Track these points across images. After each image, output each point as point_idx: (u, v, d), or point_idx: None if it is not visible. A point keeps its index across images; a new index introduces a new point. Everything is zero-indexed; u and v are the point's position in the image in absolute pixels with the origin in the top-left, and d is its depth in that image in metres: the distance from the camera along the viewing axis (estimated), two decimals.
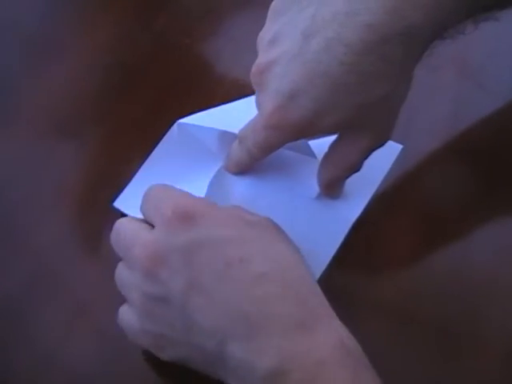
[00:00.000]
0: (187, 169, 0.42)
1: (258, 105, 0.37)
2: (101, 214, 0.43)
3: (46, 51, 0.52)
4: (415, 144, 0.44)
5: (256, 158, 0.39)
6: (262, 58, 0.36)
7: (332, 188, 0.41)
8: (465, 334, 0.38)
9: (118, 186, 0.44)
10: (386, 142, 0.38)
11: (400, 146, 0.44)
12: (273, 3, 0.37)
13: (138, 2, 0.56)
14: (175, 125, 0.43)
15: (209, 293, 0.31)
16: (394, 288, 0.39)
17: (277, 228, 0.35)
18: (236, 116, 0.42)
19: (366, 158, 0.38)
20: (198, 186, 0.39)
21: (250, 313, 0.30)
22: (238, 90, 0.41)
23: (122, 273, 0.35)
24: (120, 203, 0.42)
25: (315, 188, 0.41)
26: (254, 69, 0.37)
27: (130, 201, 0.42)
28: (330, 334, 0.30)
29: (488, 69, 0.49)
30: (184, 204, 0.33)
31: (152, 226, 0.34)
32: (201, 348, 0.31)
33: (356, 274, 0.40)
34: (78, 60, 0.51)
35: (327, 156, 0.39)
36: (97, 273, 0.41)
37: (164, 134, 0.45)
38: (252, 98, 0.39)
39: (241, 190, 0.41)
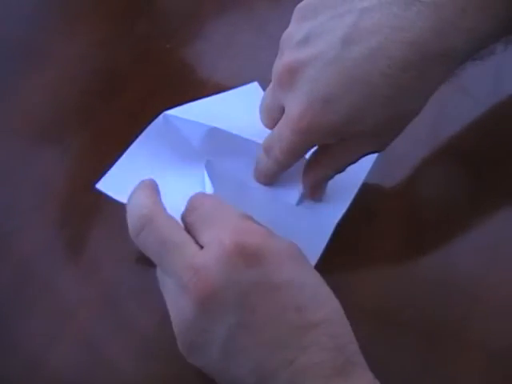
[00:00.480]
0: (169, 161, 0.42)
1: (275, 105, 0.37)
2: (84, 219, 0.43)
3: (26, 58, 0.52)
4: (396, 147, 0.44)
5: (284, 166, 0.39)
6: (291, 57, 0.36)
7: (317, 189, 0.41)
8: (448, 338, 0.38)
9: (99, 192, 0.43)
10: (382, 151, 0.39)
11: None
12: (299, 5, 0.37)
13: (117, 8, 0.55)
14: (161, 115, 0.43)
15: (259, 334, 0.30)
16: (377, 291, 0.39)
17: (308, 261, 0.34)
18: (224, 109, 0.41)
19: (357, 161, 0.38)
20: (178, 181, 0.39)
21: (297, 359, 0.29)
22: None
23: (165, 282, 0.33)
24: (103, 185, 0.41)
25: (296, 193, 0.41)
26: (280, 67, 0.36)
27: (113, 183, 0.41)
28: (363, 380, 0.30)
29: (471, 72, 0.49)
30: (248, 238, 0.30)
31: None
32: (238, 381, 0.31)
33: (339, 278, 0.40)
34: (58, 67, 0.51)
35: (317, 157, 0.39)
36: (81, 279, 0.40)
37: None
38: (240, 89, 0.39)
39: (223, 194, 0.40)
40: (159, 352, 0.37)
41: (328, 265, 0.40)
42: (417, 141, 0.46)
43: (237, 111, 0.42)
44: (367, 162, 0.42)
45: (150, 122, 0.44)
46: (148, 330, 0.38)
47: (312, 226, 0.41)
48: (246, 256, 0.30)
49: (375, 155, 0.43)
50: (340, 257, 0.41)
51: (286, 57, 0.36)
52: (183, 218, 0.33)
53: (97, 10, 0.55)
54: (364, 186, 0.42)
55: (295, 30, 0.36)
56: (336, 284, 0.39)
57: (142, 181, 0.34)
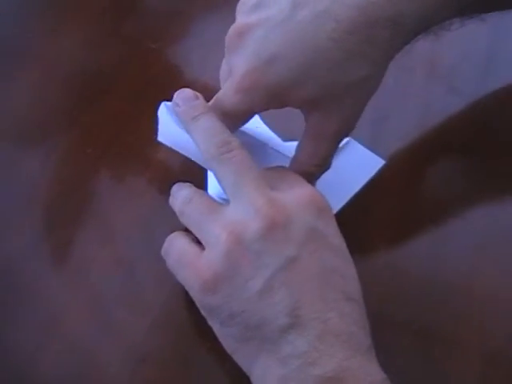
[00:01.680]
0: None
1: (227, 70, 0.37)
2: (68, 224, 0.42)
3: (10, 58, 0.52)
4: (385, 145, 0.45)
5: (229, 128, 0.38)
6: (242, 21, 0.36)
7: None
8: (443, 337, 0.38)
9: (85, 196, 0.43)
10: (351, 131, 0.38)
11: (382, 162, 0.43)
12: None
13: (103, 8, 0.55)
14: (162, 104, 0.40)
15: (310, 277, 0.31)
16: (371, 291, 0.39)
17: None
18: None
19: (333, 150, 0.38)
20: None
21: (331, 319, 0.31)
22: (208, 94, 0.40)
23: (204, 205, 0.34)
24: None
25: None
26: (230, 31, 0.36)
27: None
28: (380, 371, 0.31)
29: (459, 71, 0.49)
30: (322, 197, 0.34)
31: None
32: (265, 318, 0.31)
33: None
34: (43, 67, 0.51)
35: (296, 155, 0.39)
36: (68, 283, 0.40)
37: (132, 144, 0.44)
38: None
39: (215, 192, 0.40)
40: (149, 357, 0.37)
41: None
42: (404, 139, 0.46)
43: None
44: (367, 173, 0.42)
45: (134, 123, 0.43)
46: (137, 336, 0.38)
47: None
48: (319, 207, 0.33)
49: (376, 168, 0.42)
50: None
51: (237, 21, 0.36)
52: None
53: (82, 10, 0.54)
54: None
55: None
56: None
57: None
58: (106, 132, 0.47)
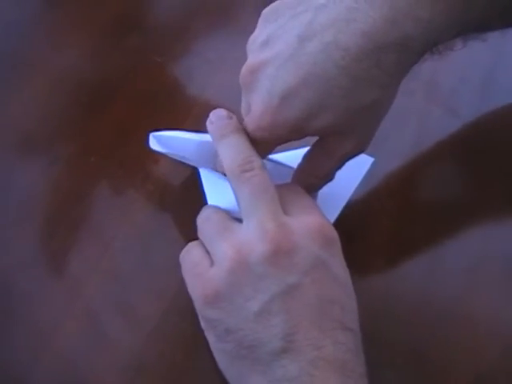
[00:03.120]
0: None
1: (246, 107, 0.37)
2: (68, 232, 0.42)
3: (15, 70, 0.52)
4: (384, 165, 0.45)
5: None
6: (253, 59, 0.36)
7: None
8: (434, 356, 0.38)
9: (86, 205, 0.43)
10: (363, 151, 0.38)
11: (371, 159, 0.44)
12: (265, 10, 0.38)
13: (109, 21, 0.55)
14: (150, 136, 0.42)
15: (308, 305, 0.32)
16: (364, 310, 0.39)
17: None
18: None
19: (341, 166, 0.38)
20: None
21: (325, 347, 0.31)
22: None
23: (220, 222, 0.35)
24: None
25: None
26: (243, 69, 0.37)
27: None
28: None
29: (458, 94, 0.50)
30: (331, 229, 0.35)
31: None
32: (259, 340, 0.31)
33: None
34: (47, 78, 0.51)
35: (302, 165, 0.39)
36: (66, 292, 0.40)
37: (134, 155, 0.45)
38: None
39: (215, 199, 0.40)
40: (145, 367, 0.37)
41: None
42: (402, 159, 0.46)
43: None
44: (359, 172, 0.42)
45: (137, 136, 0.44)
46: (134, 346, 0.38)
47: None
48: (327, 238, 0.34)
49: (367, 166, 0.43)
50: None
51: (249, 59, 0.37)
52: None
53: (88, 23, 0.55)
54: (352, 202, 0.42)
55: (258, 34, 0.37)
56: None
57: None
58: (109, 143, 0.47)
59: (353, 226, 0.42)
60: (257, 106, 0.36)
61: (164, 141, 0.42)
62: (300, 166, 0.39)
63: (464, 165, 0.47)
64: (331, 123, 0.35)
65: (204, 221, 0.36)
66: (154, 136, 0.42)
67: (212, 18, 0.55)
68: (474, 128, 0.49)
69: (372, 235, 0.43)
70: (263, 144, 0.37)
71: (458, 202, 0.45)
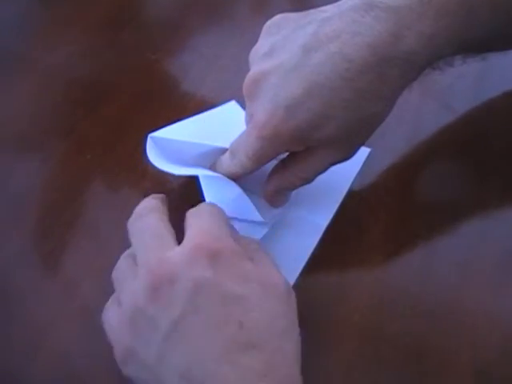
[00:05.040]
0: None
1: (250, 115, 0.37)
2: (63, 231, 0.42)
3: (8, 65, 0.52)
4: (380, 161, 0.45)
5: (249, 170, 0.38)
6: (256, 69, 0.36)
7: (279, 196, 0.41)
8: (434, 352, 0.38)
9: (80, 204, 0.43)
10: (349, 159, 0.39)
11: (368, 150, 0.44)
12: (267, 22, 0.38)
13: (103, 18, 0.55)
14: (148, 138, 0.42)
15: (196, 337, 0.30)
16: (364, 305, 0.39)
17: (290, 297, 0.33)
18: (209, 127, 0.41)
19: (325, 171, 0.39)
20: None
21: (225, 376, 0.29)
22: (206, 107, 0.41)
23: (123, 267, 0.34)
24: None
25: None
26: (247, 79, 0.37)
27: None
28: None
29: (453, 89, 0.50)
30: (217, 243, 0.32)
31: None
32: (163, 383, 0.30)
33: (326, 291, 0.40)
34: (41, 75, 0.51)
35: (287, 163, 0.39)
36: (60, 291, 0.40)
37: (129, 153, 0.44)
38: (224, 108, 0.39)
39: (211, 194, 0.40)
40: None
41: (313, 277, 0.40)
42: (397, 155, 0.46)
43: (219, 129, 0.42)
44: (356, 164, 0.42)
45: (132, 133, 0.44)
46: None
47: (300, 228, 0.41)
48: (211, 254, 0.31)
49: (363, 157, 0.43)
50: (325, 268, 0.41)
51: (252, 69, 0.37)
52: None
53: (82, 19, 0.55)
54: (349, 197, 0.42)
55: (261, 44, 0.38)
56: (322, 296, 0.39)
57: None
58: (103, 140, 0.47)
59: (349, 221, 0.42)
60: (260, 115, 0.36)
61: (163, 144, 0.42)
62: (285, 162, 0.39)
63: (459, 159, 0.47)
64: (332, 134, 0.35)
65: (114, 274, 0.35)
66: (152, 138, 0.42)
67: (206, 14, 0.55)
68: (469, 122, 0.49)
69: (369, 230, 0.42)
70: (262, 154, 0.37)
71: (453, 197, 0.45)
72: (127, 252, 0.35)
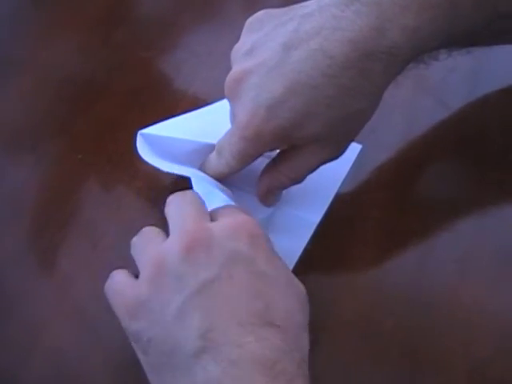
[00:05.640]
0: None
1: (233, 115, 0.37)
2: (56, 230, 0.42)
3: (1, 65, 0.51)
4: (372, 157, 0.45)
5: (234, 169, 0.38)
6: (237, 68, 0.36)
7: (270, 195, 0.41)
8: (428, 349, 0.38)
9: (74, 203, 0.43)
10: (338, 157, 0.38)
11: (359, 146, 0.44)
12: (249, 19, 0.38)
13: (95, 16, 0.55)
14: (138, 135, 0.42)
15: (225, 301, 0.30)
16: (357, 302, 0.39)
17: (306, 301, 0.33)
18: (199, 124, 0.41)
19: (315, 170, 0.38)
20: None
21: (246, 345, 0.29)
22: (199, 105, 0.41)
23: (149, 234, 0.34)
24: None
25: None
26: (228, 78, 0.36)
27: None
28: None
29: (446, 84, 0.50)
30: (253, 223, 0.33)
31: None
32: (178, 342, 0.30)
33: (319, 287, 0.40)
34: (34, 74, 0.51)
35: (276, 163, 0.39)
36: (55, 291, 0.40)
37: (122, 152, 0.44)
38: (216, 105, 0.39)
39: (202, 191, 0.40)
40: (135, 365, 0.36)
41: (307, 274, 0.40)
42: (391, 151, 0.46)
43: (211, 127, 0.42)
44: (347, 160, 0.42)
45: (125, 132, 0.44)
46: (124, 343, 0.37)
47: (292, 225, 0.41)
48: (249, 233, 0.32)
49: (355, 154, 0.43)
50: (320, 266, 0.41)
51: (233, 69, 0.37)
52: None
53: (74, 18, 0.55)
54: (342, 194, 0.42)
55: (242, 42, 0.37)
56: (316, 294, 0.39)
57: None
58: (96, 139, 0.47)
59: (343, 218, 0.42)
60: (242, 116, 0.35)
61: (153, 141, 0.42)
62: (275, 162, 0.39)
63: (453, 155, 0.47)
64: (316, 132, 0.35)
65: (135, 239, 0.35)
66: (142, 135, 0.42)
67: (198, 12, 0.55)
68: (463, 118, 0.49)
69: (362, 227, 0.43)
70: (246, 154, 0.37)
71: (447, 193, 0.45)
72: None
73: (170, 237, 0.32)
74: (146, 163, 0.41)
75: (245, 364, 0.29)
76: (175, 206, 0.34)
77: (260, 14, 0.38)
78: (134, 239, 0.35)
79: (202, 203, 0.34)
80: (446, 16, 0.34)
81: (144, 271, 0.32)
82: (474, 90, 0.50)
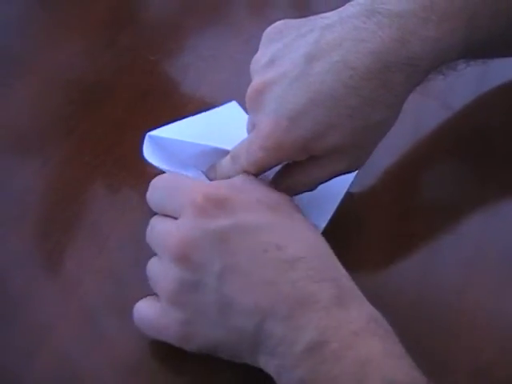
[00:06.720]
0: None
1: (251, 125, 0.37)
2: (62, 232, 0.42)
3: (8, 67, 0.52)
4: (378, 161, 0.45)
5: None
6: (259, 79, 0.36)
7: None
8: (432, 350, 0.37)
9: (81, 205, 0.43)
10: (358, 169, 0.39)
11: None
12: (267, 29, 0.38)
13: (102, 18, 0.55)
14: (146, 137, 0.42)
15: (247, 275, 0.31)
16: None
17: (295, 208, 0.36)
18: (208, 127, 0.41)
19: (330, 180, 0.39)
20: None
21: (290, 294, 0.31)
22: (206, 108, 0.41)
23: (153, 265, 0.35)
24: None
25: None
26: (250, 90, 0.37)
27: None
28: (363, 311, 0.32)
29: (453, 88, 0.50)
30: (214, 191, 0.34)
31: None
32: (238, 329, 0.31)
33: None
34: (40, 76, 0.51)
35: (290, 169, 0.39)
36: (60, 292, 0.40)
37: (128, 155, 0.45)
38: (224, 108, 0.39)
39: None
40: (140, 368, 0.37)
41: None
42: (396, 154, 0.46)
43: (219, 129, 0.42)
44: (343, 182, 0.42)
45: (131, 134, 0.44)
46: (129, 345, 0.37)
47: None
48: (215, 205, 0.32)
49: (351, 177, 0.42)
50: None
51: (254, 80, 0.37)
52: (151, 201, 0.37)
53: (81, 20, 0.55)
54: (347, 197, 0.42)
55: (262, 53, 0.37)
56: None
57: None
58: (102, 142, 0.47)
59: (349, 221, 0.42)
60: (263, 126, 0.35)
61: (161, 143, 0.42)
62: (290, 169, 0.39)
63: (460, 158, 0.47)
64: (337, 143, 0.35)
65: (153, 190, 0.37)
66: (150, 137, 0.42)
67: (205, 15, 0.55)
68: (467, 121, 0.49)
69: (368, 231, 0.43)
70: (264, 163, 0.37)
71: (453, 196, 0.45)
72: None
73: (161, 265, 0.34)
74: (152, 166, 0.41)
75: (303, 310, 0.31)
76: (163, 189, 0.36)
77: (279, 24, 0.38)
78: (150, 193, 0.37)
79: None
80: (465, 27, 0.35)
81: (187, 209, 0.33)
82: (479, 95, 0.50)
